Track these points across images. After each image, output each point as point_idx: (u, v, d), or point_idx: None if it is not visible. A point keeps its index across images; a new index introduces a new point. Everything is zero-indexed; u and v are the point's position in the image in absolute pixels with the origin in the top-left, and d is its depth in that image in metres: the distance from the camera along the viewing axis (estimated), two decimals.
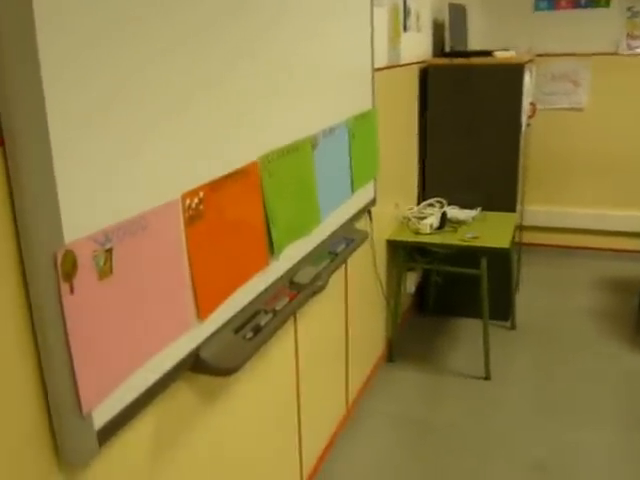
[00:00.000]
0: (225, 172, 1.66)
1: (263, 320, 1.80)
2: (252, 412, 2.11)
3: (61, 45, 1.11)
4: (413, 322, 4.28)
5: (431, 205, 3.97)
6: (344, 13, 2.57)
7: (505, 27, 5.50)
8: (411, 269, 4.10)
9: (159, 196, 1.40)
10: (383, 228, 3.60)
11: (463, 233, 3.62)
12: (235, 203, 1.71)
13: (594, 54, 5.09)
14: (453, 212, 3.82)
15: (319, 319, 2.67)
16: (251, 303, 1.83)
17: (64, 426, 1.21)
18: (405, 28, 3.75)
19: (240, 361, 1.65)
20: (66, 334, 1.16)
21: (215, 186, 1.61)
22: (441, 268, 3.91)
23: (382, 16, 3.34)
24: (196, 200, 1.53)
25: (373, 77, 2.92)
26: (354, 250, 2.52)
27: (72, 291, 1.17)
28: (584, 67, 5.29)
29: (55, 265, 1.12)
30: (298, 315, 2.41)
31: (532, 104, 4.64)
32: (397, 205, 3.80)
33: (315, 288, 2.07)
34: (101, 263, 1.24)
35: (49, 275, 1.12)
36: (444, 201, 3.92)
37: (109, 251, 1.26)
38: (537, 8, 5.62)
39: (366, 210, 3.05)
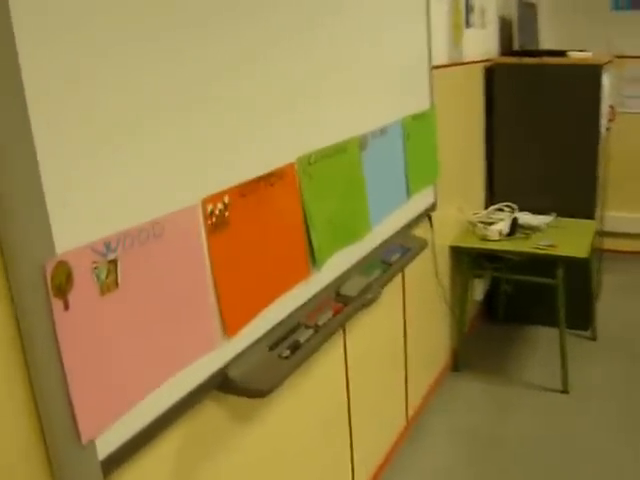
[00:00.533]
0: (255, 175, 1.50)
1: (303, 336, 1.63)
2: (296, 430, 1.94)
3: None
4: (481, 330, 4.01)
5: (500, 210, 3.71)
6: (397, 6, 2.38)
7: (579, 27, 5.16)
8: (478, 276, 3.85)
9: (174, 201, 1.25)
10: (445, 233, 3.37)
11: (537, 240, 3.35)
12: (268, 209, 1.55)
13: None
14: (525, 218, 3.55)
15: (372, 330, 2.47)
16: (290, 317, 1.66)
17: (61, 457, 1.06)
18: (468, 24, 3.53)
19: (275, 382, 1.48)
20: (59, 355, 1.02)
21: (244, 190, 1.45)
22: (512, 276, 3.64)
23: (441, 10, 3.12)
24: (220, 206, 1.38)
25: (431, 75, 2.71)
26: (410, 260, 2.32)
27: (66, 308, 1.03)
28: None
29: (44, 279, 0.99)
30: (348, 327, 2.23)
31: (612, 107, 4.32)
32: (461, 209, 3.56)
33: (365, 301, 1.88)
34: (103, 276, 1.10)
35: (38, 290, 0.99)
36: (514, 206, 3.66)
37: (113, 262, 1.12)
38: (615, 7, 5.27)
39: (426, 215, 2.84)
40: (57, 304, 1.01)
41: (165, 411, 1.27)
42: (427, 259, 3.10)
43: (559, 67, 3.64)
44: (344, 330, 2.20)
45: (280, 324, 1.62)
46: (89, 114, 1.06)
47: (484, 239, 3.41)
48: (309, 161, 1.71)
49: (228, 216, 1.40)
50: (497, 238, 3.38)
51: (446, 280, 3.44)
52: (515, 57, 3.85)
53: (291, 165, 1.64)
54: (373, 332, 2.48)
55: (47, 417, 1.04)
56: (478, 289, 3.96)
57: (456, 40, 3.34)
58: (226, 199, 1.39)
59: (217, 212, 1.36)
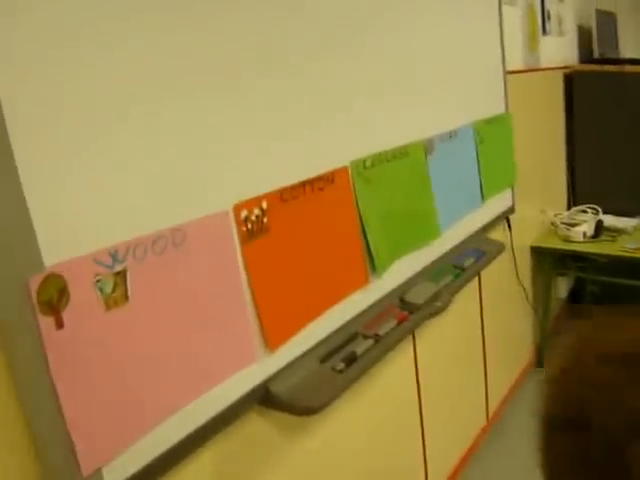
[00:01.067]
0: (301, 179, 1.23)
1: (361, 347, 1.32)
2: (355, 444, 1.63)
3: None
4: (566, 328, 3.51)
5: (583, 212, 3.22)
6: (469, 9, 2.04)
7: None
8: (562, 274, 3.37)
9: (200, 206, 1.00)
10: (525, 234, 2.94)
11: (623, 243, 2.85)
12: (317, 214, 1.26)
13: None
14: (609, 220, 3.04)
15: (446, 333, 2.10)
16: (346, 326, 1.37)
17: None
18: (545, 31, 3.09)
19: (326, 398, 1.19)
20: (50, 379, 0.79)
21: (285, 195, 1.18)
22: (598, 278, 3.13)
23: (515, 16, 2.72)
24: (257, 211, 1.11)
25: (505, 80, 2.33)
26: (486, 264, 1.95)
27: (60, 326, 0.79)
28: None
29: (29, 295, 0.76)
30: (417, 332, 1.90)
31: None
32: (543, 211, 3.11)
33: (433, 309, 1.55)
34: (108, 289, 0.86)
35: (22, 307, 0.76)
36: (598, 208, 3.16)
37: (121, 274, 0.88)
38: None
39: (503, 218, 2.45)
40: (46, 322, 0.77)
41: (196, 429, 1.02)
42: (506, 260, 2.70)
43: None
44: (413, 336, 1.87)
45: (334, 334, 1.33)
46: (84, 101, 0.83)
47: (567, 240, 2.95)
48: (364, 165, 1.42)
49: (267, 222, 1.13)
50: (581, 240, 2.91)
51: (527, 280, 3.00)
52: (595, 65, 3.37)
53: (344, 169, 1.35)
54: (447, 335, 2.12)
55: (42, 446, 0.81)
56: (562, 287, 3.48)
57: (532, 46, 2.92)
58: (264, 204, 1.12)
59: (253, 218, 1.10)
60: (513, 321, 2.86)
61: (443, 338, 2.10)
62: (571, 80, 3.38)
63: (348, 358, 1.28)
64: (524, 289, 2.88)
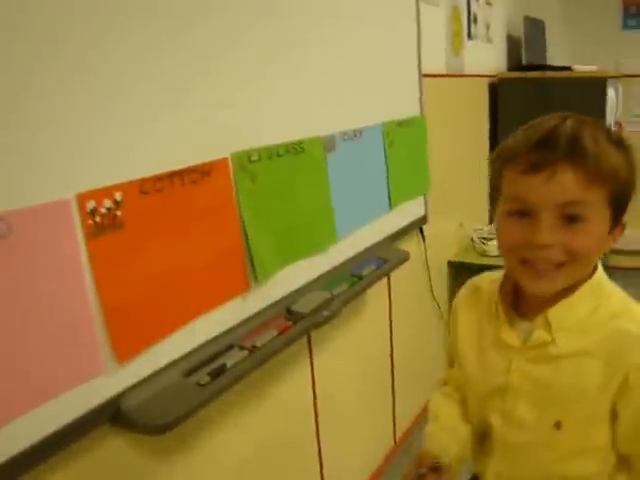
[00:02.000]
0: (168, 169, 1.16)
1: (232, 359, 1.26)
2: (245, 463, 1.58)
3: None
4: None
5: None
6: (384, 8, 2.03)
7: (589, 46, 4.76)
8: None
9: (33, 193, 0.92)
10: (443, 248, 2.98)
11: None
12: (186, 211, 1.19)
13: None
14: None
15: (350, 351, 2.09)
16: (221, 337, 1.31)
17: None
18: (470, 36, 3.16)
19: (179, 414, 1.12)
20: None
21: (146, 186, 1.10)
22: None
23: (438, 17, 2.76)
24: (108, 203, 1.03)
25: (421, 82, 2.35)
26: (387, 272, 1.94)
27: None
28: None
29: None
30: (316, 349, 1.86)
31: (619, 124, 3.89)
32: (462, 225, 3.17)
33: (319, 318, 1.51)
34: None
35: None
36: None
37: None
38: (626, 26, 4.86)
39: (415, 228, 2.46)
40: None
41: (23, 450, 0.93)
42: (421, 275, 2.72)
43: (562, 80, 3.23)
44: (310, 351, 1.83)
45: (206, 346, 1.26)
46: None
47: (484, 255, 3.01)
48: (249, 158, 1.36)
49: (122, 217, 1.05)
50: (496, 254, 2.97)
51: (444, 297, 3.04)
52: (520, 72, 3.48)
53: (224, 161, 1.29)
54: (351, 351, 2.09)
55: None
56: None
57: (456, 50, 2.97)
58: (118, 196, 1.05)
59: (103, 211, 1.02)
60: (425, 340, 2.88)
61: (346, 354, 2.07)
62: (496, 89, 3.47)
63: (215, 371, 1.22)
64: (439, 307, 2.91)
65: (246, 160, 1.35)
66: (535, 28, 3.96)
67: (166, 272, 1.16)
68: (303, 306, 1.50)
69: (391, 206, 2.08)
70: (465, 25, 3.11)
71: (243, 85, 1.35)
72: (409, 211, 2.28)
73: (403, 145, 2.16)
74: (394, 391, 2.52)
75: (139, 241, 1.09)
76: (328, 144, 1.68)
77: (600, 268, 0.97)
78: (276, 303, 1.48)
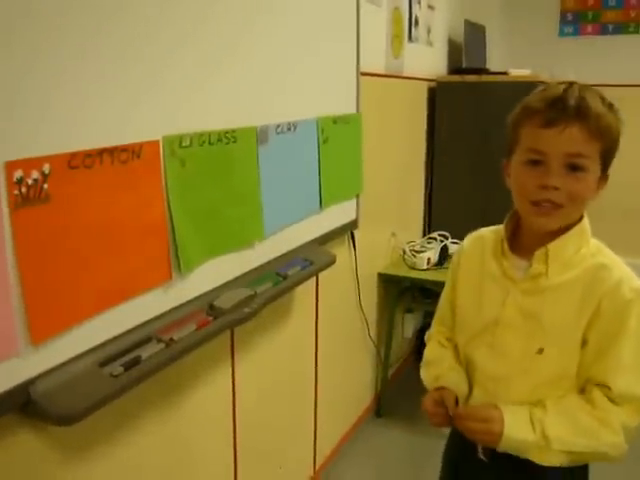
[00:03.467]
0: (98, 145, 1.24)
1: (148, 352, 1.34)
2: (160, 467, 1.66)
3: None
4: (411, 371, 3.75)
5: (433, 239, 3.50)
6: (324, 4, 2.17)
7: (527, 51, 5.15)
8: (409, 310, 3.62)
9: None
10: (374, 260, 3.14)
11: None
12: (113, 191, 1.27)
13: (624, 85, 4.54)
14: (455, 247, 3.33)
15: (273, 362, 2.20)
16: (140, 328, 1.39)
17: None
18: (411, 38, 3.36)
19: (86, 405, 1.19)
20: None
21: (76, 161, 1.18)
22: None
23: (379, 17, 2.94)
24: (36, 175, 1.10)
25: (358, 79, 2.50)
26: (312, 274, 2.07)
27: None
28: (613, 99, 4.80)
29: None
30: (239, 354, 1.95)
31: None
32: (394, 235, 3.34)
33: (240, 315, 1.61)
34: None
35: None
36: (448, 234, 3.46)
37: None
38: (562, 33, 5.27)
39: (346, 233, 2.61)
40: None
41: None
42: (350, 285, 2.86)
43: (499, 84, 3.48)
44: (232, 355, 1.92)
45: (124, 336, 1.34)
46: None
47: (413, 268, 3.18)
48: (180, 143, 1.45)
49: (48, 190, 1.12)
50: (425, 267, 3.16)
51: (373, 313, 3.19)
52: (457, 75, 3.71)
53: (154, 143, 1.38)
54: (274, 361, 2.20)
55: None
56: (409, 325, 3.73)
57: (396, 51, 3.16)
58: (46, 168, 1.12)
59: (30, 182, 1.09)
60: (352, 358, 3.02)
61: (270, 361, 2.17)
62: (435, 92, 3.68)
63: (130, 362, 1.30)
64: (367, 322, 3.05)
65: (177, 144, 1.44)
66: (476, 33, 4.23)
67: (89, 253, 1.23)
68: (225, 302, 1.60)
69: (322, 206, 2.21)
70: (406, 27, 3.31)
71: (179, 69, 1.44)
72: (340, 213, 2.41)
73: (338, 143, 2.29)
74: (316, 409, 2.63)
75: (64, 217, 1.16)
76: (261, 135, 1.79)
77: (585, 216, 1.25)
78: (199, 297, 1.57)
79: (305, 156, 2.09)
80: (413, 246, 3.37)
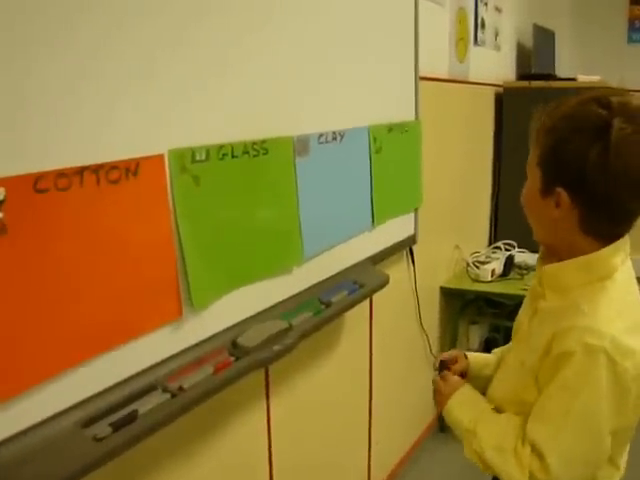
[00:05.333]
0: (76, 163, 0.93)
1: (148, 404, 1.04)
2: None
3: None
4: None
5: (498, 249, 3.09)
6: (379, 4, 1.83)
7: (596, 57, 4.71)
8: (474, 322, 3.22)
9: None
10: (436, 273, 2.76)
11: (529, 281, 2.72)
12: (101, 218, 0.97)
13: None
14: (522, 257, 2.92)
15: (316, 395, 1.85)
16: (139, 376, 1.08)
17: None
18: (477, 41, 2.96)
19: (63, 476, 0.89)
20: None
21: (45, 183, 0.88)
22: (507, 323, 3.00)
23: (443, 18, 2.56)
24: None
25: (417, 84, 2.13)
26: (362, 299, 1.71)
27: None
28: None
29: None
30: (277, 391, 1.62)
31: None
32: (457, 247, 2.95)
33: (270, 353, 1.28)
34: None
35: None
36: (514, 244, 3.03)
37: None
38: (630, 40, 4.79)
39: (404, 249, 2.25)
40: None
41: None
42: (409, 302, 2.50)
43: (568, 91, 3.02)
44: (268, 395, 1.60)
45: (117, 387, 1.03)
46: None
47: (477, 280, 2.79)
48: (193, 157, 1.14)
49: (4, 219, 0.83)
50: (489, 279, 2.76)
51: (435, 328, 2.81)
52: (525, 81, 3.28)
53: (158, 158, 1.07)
54: (318, 399, 1.86)
55: None
56: (475, 337, 3.32)
57: (460, 55, 2.77)
58: (0, 193, 0.83)
59: None
60: (411, 378, 2.65)
61: (311, 397, 1.83)
62: (502, 99, 3.27)
63: (121, 421, 0.99)
64: (427, 338, 2.68)
65: (189, 159, 1.13)
66: (545, 38, 3.78)
67: (66, 292, 0.93)
68: (250, 338, 1.27)
69: (374, 223, 1.86)
70: (472, 30, 2.91)
71: (189, 65, 1.13)
72: (396, 229, 2.05)
73: (393, 153, 1.94)
74: (370, 438, 2.29)
75: (30, 253, 0.87)
76: (299, 146, 1.46)
77: (604, 254, 1.01)
78: (218, 335, 1.25)
79: (354, 168, 1.74)
80: (477, 257, 2.97)
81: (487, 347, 3.46)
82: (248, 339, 1.27)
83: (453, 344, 2.88)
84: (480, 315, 3.09)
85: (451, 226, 2.86)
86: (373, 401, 2.24)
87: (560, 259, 1.05)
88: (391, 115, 1.95)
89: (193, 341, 1.19)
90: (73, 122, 0.92)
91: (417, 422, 2.80)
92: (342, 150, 1.66)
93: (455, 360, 1.32)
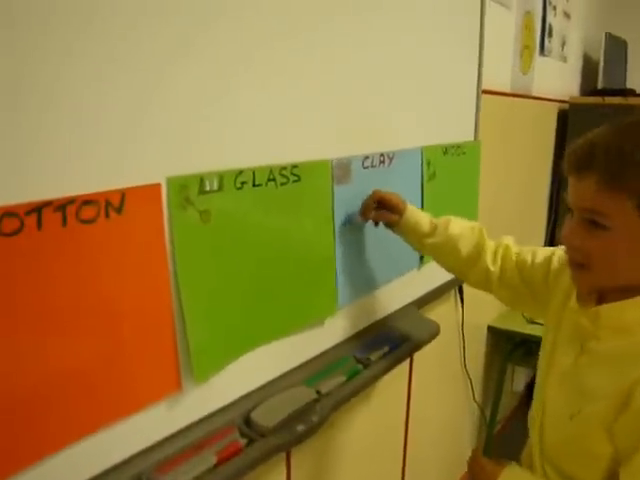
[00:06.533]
0: (31, 197, 0.68)
1: None
2: None
3: None
4: (517, 425, 3.00)
5: None
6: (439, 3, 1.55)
7: None
8: (522, 364, 2.90)
9: None
10: (485, 311, 2.46)
11: None
12: (72, 268, 0.72)
13: None
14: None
15: (340, 461, 1.59)
16: (127, 466, 0.83)
17: None
18: (543, 50, 2.65)
19: None
20: None
21: (9, 224, 0.65)
22: None
23: (506, 21, 2.26)
24: None
25: (479, 99, 1.85)
26: (407, 355, 1.44)
27: None
28: None
29: None
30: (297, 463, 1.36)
31: None
32: None
33: (293, 435, 1.01)
34: None
35: None
36: None
37: None
38: None
39: (453, 288, 1.96)
40: None
41: None
42: (453, 342, 2.21)
43: None
44: (289, 457, 1.34)
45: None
46: None
47: (531, 320, 2.47)
48: (201, 187, 0.89)
49: None
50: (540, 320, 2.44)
51: (479, 370, 2.51)
52: (597, 96, 2.95)
53: (151, 189, 0.82)
54: (350, 445, 1.60)
55: None
56: (520, 378, 3.01)
57: (524, 66, 2.46)
58: None
59: None
60: (450, 419, 2.36)
61: (342, 450, 1.57)
62: (566, 116, 2.95)
63: None
64: (470, 381, 2.39)
65: (195, 189, 0.87)
66: (617, 48, 3.43)
67: (30, 368, 0.68)
68: (267, 415, 1.01)
69: (422, 261, 1.58)
70: (538, 37, 2.61)
71: (205, 70, 0.88)
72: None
73: (447, 178, 1.65)
74: None
75: None
76: (339, 171, 1.20)
77: None
78: (226, 409, 0.99)
79: (404, 196, 1.47)
80: None
81: (531, 390, 3.15)
82: (264, 416, 1.00)
83: (499, 391, 2.57)
84: (528, 355, 2.77)
85: None
86: (408, 441, 1.96)
87: (607, 296, 0.93)
88: (447, 134, 1.67)
89: (193, 418, 0.93)
90: (26, 140, 0.67)
91: (453, 465, 2.51)
92: (390, 176, 1.38)
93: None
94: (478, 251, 1.25)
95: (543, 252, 1.18)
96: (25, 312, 0.68)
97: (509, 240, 1.27)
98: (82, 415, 0.76)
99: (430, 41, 1.51)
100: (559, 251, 1.12)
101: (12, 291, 0.67)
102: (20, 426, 0.70)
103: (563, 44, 2.94)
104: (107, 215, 0.75)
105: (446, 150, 1.64)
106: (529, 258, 1.19)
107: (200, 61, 0.86)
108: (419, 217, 1.26)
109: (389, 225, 1.27)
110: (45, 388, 0.71)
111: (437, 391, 2.14)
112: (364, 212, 1.24)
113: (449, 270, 1.32)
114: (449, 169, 1.66)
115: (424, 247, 1.27)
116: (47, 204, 0.69)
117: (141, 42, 0.77)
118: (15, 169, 0.66)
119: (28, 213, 0.67)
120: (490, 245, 1.26)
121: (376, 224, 1.29)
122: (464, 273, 1.29)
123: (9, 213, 0.65)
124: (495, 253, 1.25)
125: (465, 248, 1.24)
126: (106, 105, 0.74)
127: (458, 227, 1.26)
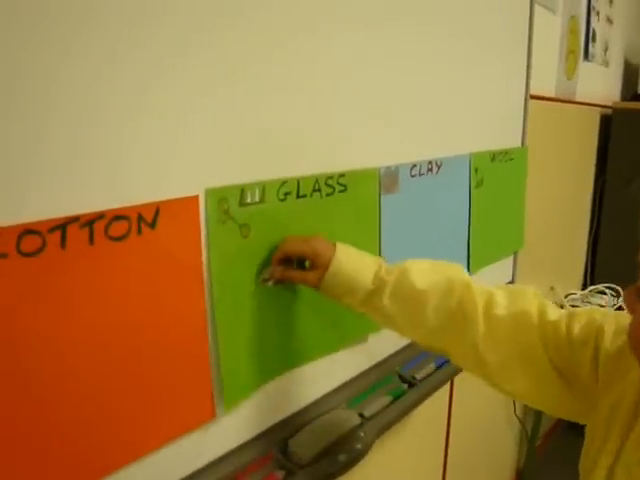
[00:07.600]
0: (56, 213, 0.59)
1: None
2: None
3: None
4: (558, 439, 2.87)
5: (600, 292, 2.61)
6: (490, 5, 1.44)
7: None
8: None
9: None
10: None
11: None
12: (97, 288, 0.64)
13: None
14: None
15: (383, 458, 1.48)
16: None
17: None
18: (587, 55, 2.50)
19: None
20: None
21: (4, 244, 0.56)
22: None
23: (552, 26, 2.13)
24: None
25: (527, 104, 1.72)
26: (454, 373, 1.32)
27: None
28: None
29: None
30: None
31: None
32: (552, 289, 2.50)
33: (335, 467, 0.92)
34: None
35: None
36: (619, 289, 2.55)
37: None
38: None
39: None
40: None
41: None
42: None
43: None
44: None
45: None
46: None
47: None
48: (242, 198, 0.79)
49: None
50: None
51: None
52: (637, 101, 2.78)
53: (188, 201, 0.73)
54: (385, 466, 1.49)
55: None
56: None
57: (569, 71, 2.32)
58: None
59: None
60: (491, 434, 2.22)
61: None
62: (609, 122, 2.79)
63: None
64: (513, 402, 2.25)
65: (236, 201, 0.78)
66: None
67: (44, 405, 0.59)
68: (307, 442, 0.91)
69: (469, 271, 1.46)
70: (582, 42, 2.47)
71: (243, 72, 0.78)
72: (492, 276, 1.64)
73: (495, 186, 1.53)
74: None
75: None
76: (387, 180, 1.09)
77: None
78: (261, 436, 0.89)
79: (450, 207, 1.35)
80: (573, 300, 2.52)
81: None
82: (303, 444, 0.90)
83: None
84: None
85: (548, 266, 2.42)
86: (449, 456, 1.84)
87: None
88: (495, 140, 1.55)
89: (227, 448, 0.84)
90: (50, 151, 0.58)
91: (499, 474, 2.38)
92: (438, 184, 1.27)
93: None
94: (463, 314, 0.79)
95: (586, 317, 0.75)
96: (46, 341, 0.59)
97: (530, 291, 0.82)
98: (109, 450, 0.67)
99: (480, 45, 1.39)
100: (613, 317, 0.73)
101: (33, 317, 0.58)
102: (42, 462, 0.61)
103: (606, 49, 2.78)
104: (139, 231, 0.66)
105: (494, 156, 1.52)
106: (563, 327, 0.75)
107: (242, 68, 0.77)
108: (355, 267, 0.82)
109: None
110: (65, 424, 0.62)
111: (477, 406, 2.01)
112: (262, 274, 0.82)
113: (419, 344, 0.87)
114: (497, 176, 1.54)
115: (375, 311, 0.83)
116: (73, 220, 0.60)
117: (186, 52, 0.68)
118: (37, 182, 0.57)
119: (51, 230, 0.58)
120: (486, 301, 0.80)
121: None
122: (443, 350, 0.84)
123: (30, 231, 0.56)
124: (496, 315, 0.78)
125: (436, 311, 0.79)
126: (140, 112, 0.65)
127: (422, 277, 0.81)
